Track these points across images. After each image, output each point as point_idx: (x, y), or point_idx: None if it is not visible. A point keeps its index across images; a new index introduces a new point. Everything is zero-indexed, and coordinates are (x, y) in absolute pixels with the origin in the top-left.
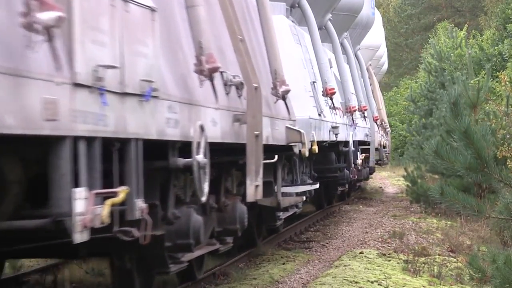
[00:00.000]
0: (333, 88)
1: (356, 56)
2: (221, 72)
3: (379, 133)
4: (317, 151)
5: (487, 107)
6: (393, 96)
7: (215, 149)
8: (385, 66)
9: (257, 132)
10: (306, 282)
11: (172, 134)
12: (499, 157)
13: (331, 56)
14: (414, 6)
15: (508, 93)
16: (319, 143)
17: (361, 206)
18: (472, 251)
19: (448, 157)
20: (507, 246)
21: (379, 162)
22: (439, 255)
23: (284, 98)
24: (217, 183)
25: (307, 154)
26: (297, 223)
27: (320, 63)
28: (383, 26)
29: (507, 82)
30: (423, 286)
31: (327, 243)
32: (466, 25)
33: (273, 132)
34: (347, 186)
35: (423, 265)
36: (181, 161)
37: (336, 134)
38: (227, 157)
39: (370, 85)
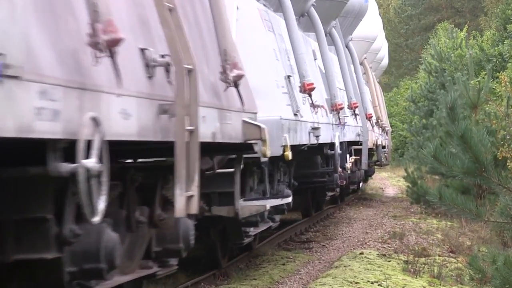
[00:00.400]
0: (312, 83)
1: (347, 47)
2: (142, 49)
3: (375, 132)
4: (290, 157)
5: (487, 108)
6: (394, 97)
7: (149, 148)
8: (385, 61)
9: (190, 127)
10: (306, 282)
11: (47, 130)
12: (500, 158)
13: (316, 46)
14: (414, 7)
15: (509, 93)
16: (297, 147)
17: (361, 207)
18: (472, 251)
19: (446, 162)
20: (507, 246)
21: (377, 163)
22: (439, 255)
23: (236, 85)
24: (151, 192)
25: (268, 153)
26: (297, 223)
27: (297, 54)
28: (384, 27)
29: (507, 83)
30: (423, 286)
31: (327, 244)
32: (466, 25)
33: (223, 127)
34: (337, 190)
35: (423, 265)
36: (66, 167)
37: (317, 136)
38: (168, 159)
39: (367, 82)
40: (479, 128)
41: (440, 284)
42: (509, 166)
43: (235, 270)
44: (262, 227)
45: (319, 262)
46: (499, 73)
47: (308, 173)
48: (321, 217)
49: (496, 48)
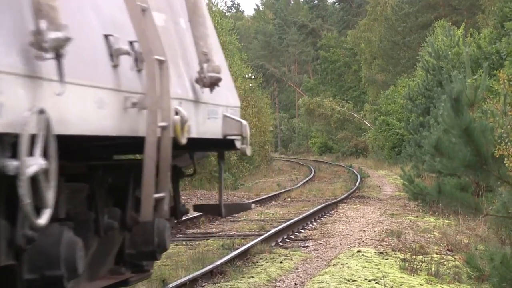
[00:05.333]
0: None
1: None
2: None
3: None
4: None
5: (484, 106)
6: (391, 95)
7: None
8: None
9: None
10: (303, 280)
11: None
12: (497, 156)
13: None
14: (411, 5)
15: (506, 91)
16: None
17: (358, 205)
18: (469, 249)
19: (447, 154)
20: (504, 244)
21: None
22: (436, 253)
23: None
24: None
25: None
26: (294, 221)
27: None
28: (381, 25)
29: (505, 80)
30: (420, 284)
31: (325, 242)
32: (463, 23)
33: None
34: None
35: (421, 263)
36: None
37: None
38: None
39: None
40: (480, 122)
41: (438, 282)
42: (506, 164)
43: (233, 268)
44: None
45: (317, 260)
46: (496, 71)
47: None
48: (319, 214)
49: (493, 46)
